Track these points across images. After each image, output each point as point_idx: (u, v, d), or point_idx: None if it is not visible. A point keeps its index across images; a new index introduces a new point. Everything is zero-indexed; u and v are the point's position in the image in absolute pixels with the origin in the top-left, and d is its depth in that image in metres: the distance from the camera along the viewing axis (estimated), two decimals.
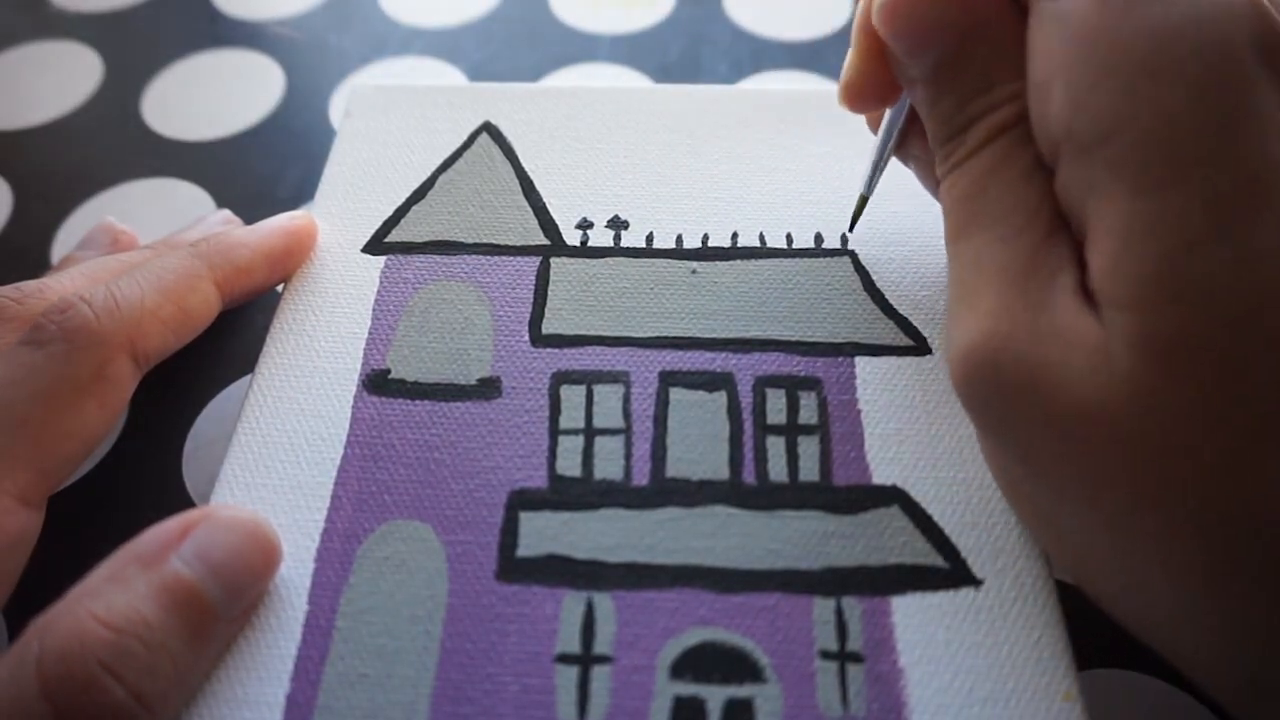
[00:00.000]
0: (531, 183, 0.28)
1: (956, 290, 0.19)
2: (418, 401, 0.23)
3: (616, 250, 0.26)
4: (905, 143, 0.24)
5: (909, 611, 0.20)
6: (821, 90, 0.30)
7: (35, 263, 0.31)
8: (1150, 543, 0.16)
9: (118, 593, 0.18)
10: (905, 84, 0.21)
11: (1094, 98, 0.16)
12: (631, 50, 0.38)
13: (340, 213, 0.27)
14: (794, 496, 0.22)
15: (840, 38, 0.38)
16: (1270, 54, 0.16)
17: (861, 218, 0.26)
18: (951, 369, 0.18)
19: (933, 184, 0.24)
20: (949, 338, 0.19)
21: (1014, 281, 0.17)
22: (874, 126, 0.25)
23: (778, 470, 0.22)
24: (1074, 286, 0.17)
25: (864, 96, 0.22)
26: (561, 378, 0.24)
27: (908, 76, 0.20)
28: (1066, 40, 0.17)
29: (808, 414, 0.23)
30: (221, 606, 0.19)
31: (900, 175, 0.27)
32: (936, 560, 0.21)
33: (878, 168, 0.24)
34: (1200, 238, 0.15)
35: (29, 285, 0.24)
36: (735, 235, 0.26)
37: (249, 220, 0.27)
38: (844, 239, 0.26)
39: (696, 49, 0.38)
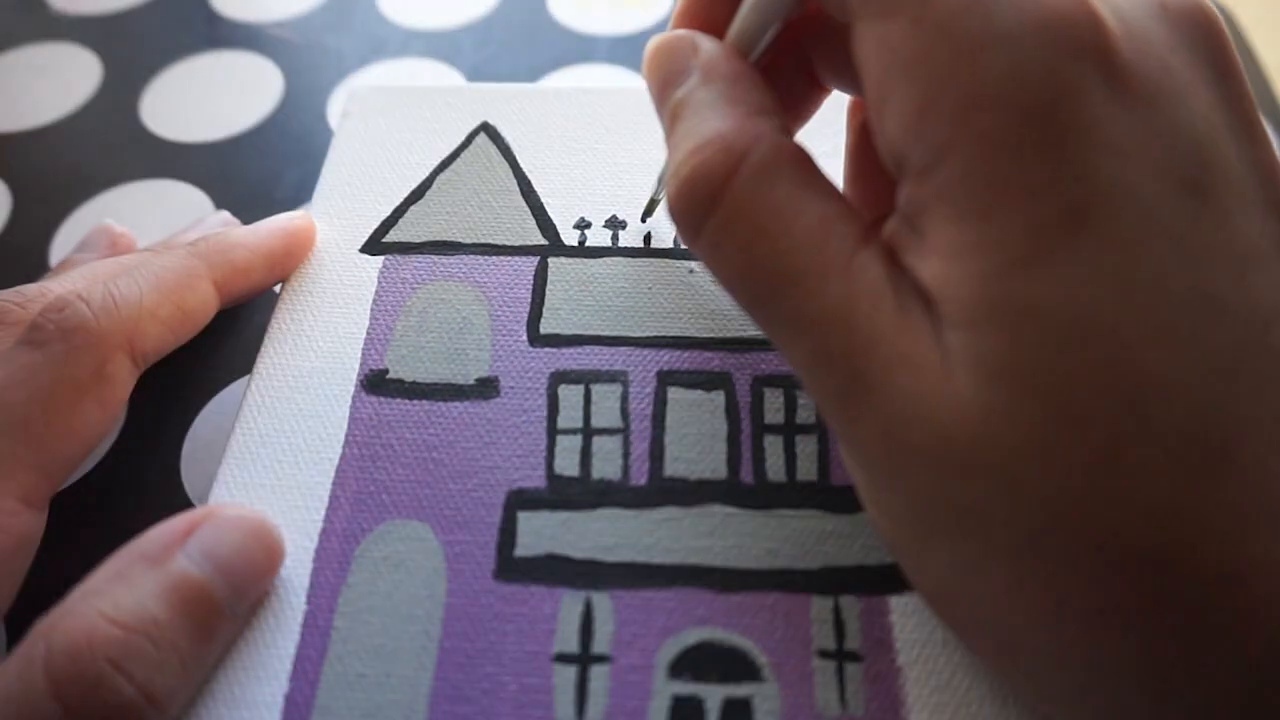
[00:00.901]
0: (529, 183, 0.28)
1: (782, 342, 0.18)
2: (416, 401, 0.23)
3: (614, 250, 0.26)
4: None
5: (907, 610, 0.20)
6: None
7: (34, 264, 0.31)
8: (1017, 578, 0.15)
9: (125, 591, 0.18)
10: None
11: (922, 124, 0.16)
12: (630, 51, 0.38)
13: (338, 213, 0.27)
14: (792, 496, 0.22)
15: None
16: (1102, 58, 0.15)
17: None
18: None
19: None
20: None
21: (843, 324, 0.17)
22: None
23: (776, 469, 0.22)
24: (896, 309, 0.16)
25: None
26: (559, 377, 0.24)
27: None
28: (890, 66, 0.16)
29: (806, 413, 0.23)
30: (227, 604, 0.19)
31: None
32: None
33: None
34: (1021, 262, 0.15)
35: (30, 289, 0.24)
36: None
37: (247, 221, 0.27)
38: None
39: None
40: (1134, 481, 0.14)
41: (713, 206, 0.18)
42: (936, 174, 0.16)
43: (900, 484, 0.16)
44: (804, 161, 0.18)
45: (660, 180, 0.25)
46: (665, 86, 0.20)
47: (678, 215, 0.18)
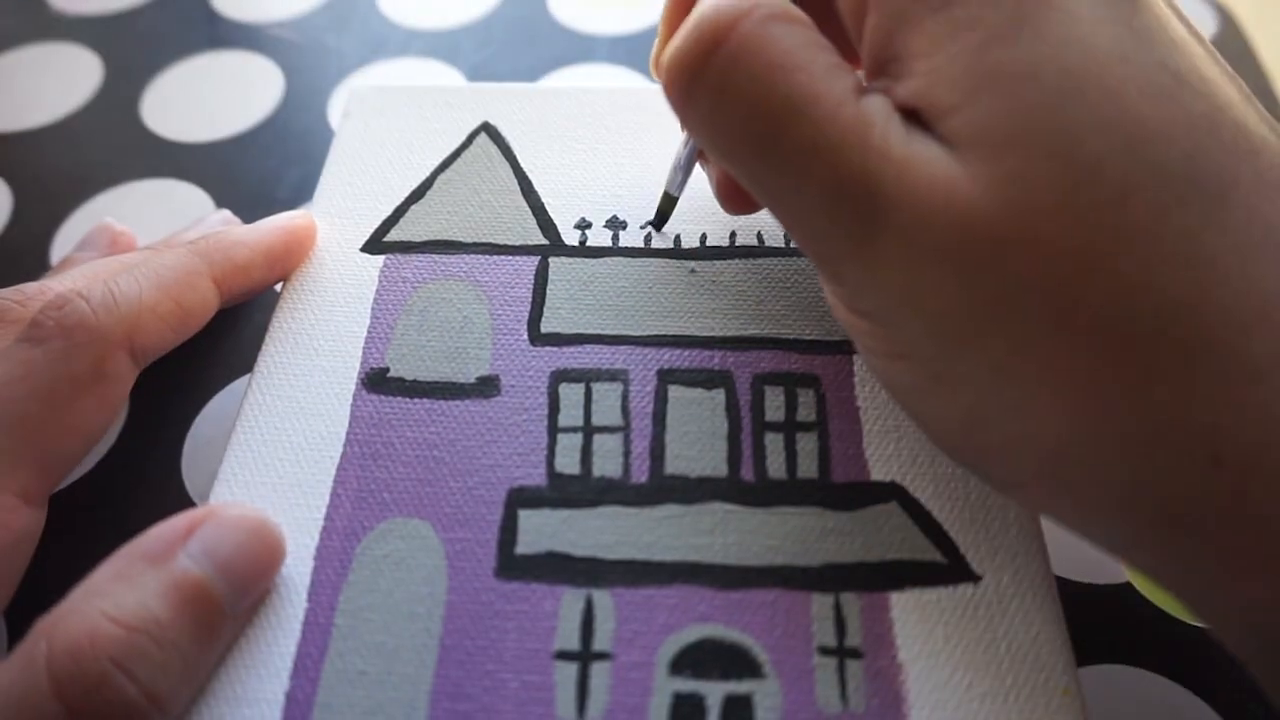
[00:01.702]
0: (530, 182, 0.28)
1: (796, 186, 0.18)
2: (416, 400, 0.23)
3: (615, 250, 0.26)
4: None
5: (908, 607, 0.20)
6: None
7: (35, 264, 0.32)
8: (1037, 364, 0.15)
9: (127, 591, 0.18)
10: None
11: None
12: (630, 51, 0.38)
13: (339, 212, 0.27)
14: (792, 493, 0.22)
15: None
16: None
17: None
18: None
19: (716, 174, 0.24)
20: (802, 221, 0.18)
21: (856, 149, 0.17)
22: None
23: (776, 467, 0.22)
24: (901, 126, 0.17)
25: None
26: (560, 376, 0.24)
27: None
28: None
29: (806, 411, 0.23)
30: (229, 603, 0.19)
31: None
32: (935, 556, 0.21)
33: (681, 166, 0.25)
34: (1000, 33, 0.16)
35: (31, 287, 0.24)
36: (733, 234, 0.26)
37: (249, 221, 0.27)
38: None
39: None
40: (1152, 227, 0.15)
41: (717, 46, 0.17)
42: None
43: (924, 304, 0.16)
44: (806, 19, 0.18)
45: (674, 170, 0.25)
46: None
47: (679, 60, 0.18)
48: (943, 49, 0.16)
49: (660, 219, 0.26)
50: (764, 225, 0.27)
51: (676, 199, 0.26)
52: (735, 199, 0.24)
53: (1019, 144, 0.15)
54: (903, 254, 0.16)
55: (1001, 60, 0.15)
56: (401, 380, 0.24)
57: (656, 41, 0.24)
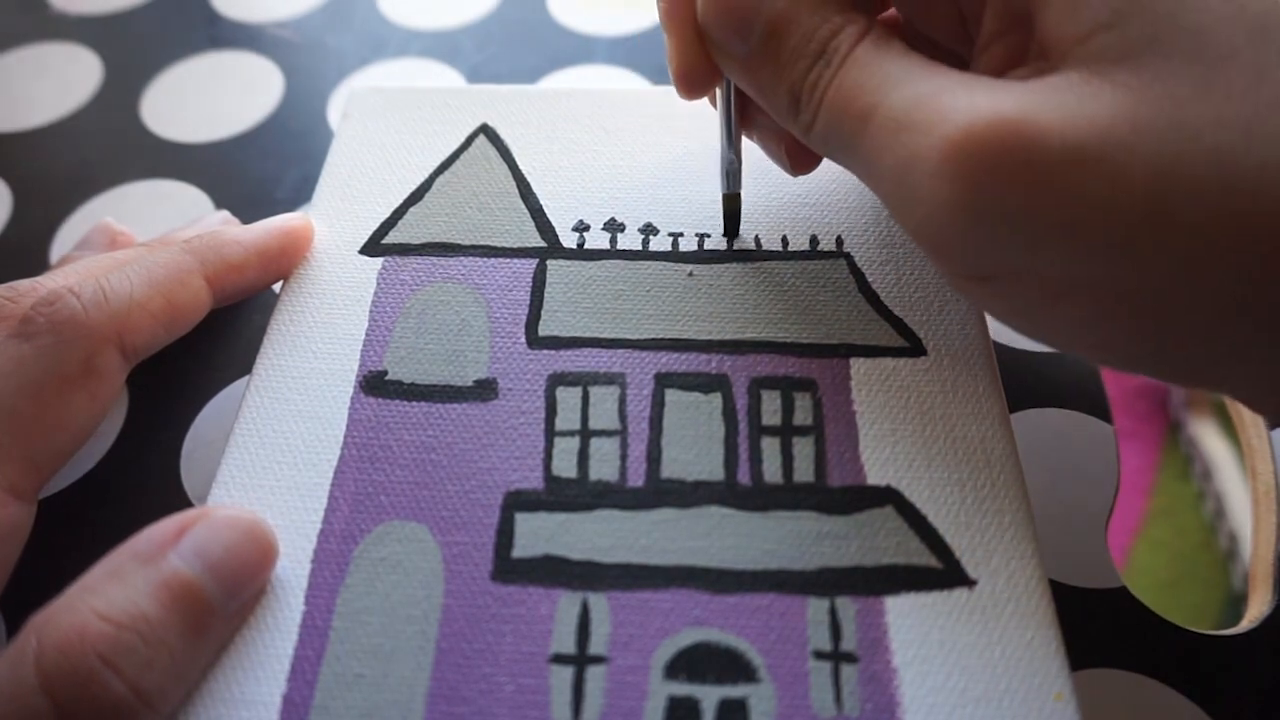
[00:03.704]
0: (528, 185, 0.28)
1: (902, 139, 0.18)
2: (414, 403, 0.23)
3: (613, 253, 0.26)
4: (747, 124, 0.25)
5: (903, 612, 0.20)
6: None
7: (35, 263, 0.32)
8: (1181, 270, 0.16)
9: (117, 589, 0.18)
10: (735, 71, 0.22)
11: None
12: (629, 52, 0.38)
13: (338, 214, 0.27)
14: (789, 497, 0.22)
15: None
16: None
17: (857, 221, 0.26)
18: (950, 182, 0.18)
19: (779, 145, 0.25)
20: (916, 180, 0.18)
21: (962, 88, 0.18)
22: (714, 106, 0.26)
23: (772, 471, 0.22)
24: (1039, 57, 0.18)
25: (699, 80, 0.23)
26: (557, 379, 0.24)
27: (734, 59, 0.22)
28: None
29: (803, 415, 0.23)
30: (219, 603, 0.19)
31: None
32: (930, 560, 0.21)
33: (729, 158, 0.25)
34: None
35: (23, 284, 0.24)
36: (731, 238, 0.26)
37: (247, 221, 0.27)
38: (839, 241, 0.26)
39: None
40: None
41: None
42: None
43: (1066, 215, 0.17)
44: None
45: (725, 171, 0.25)
46: None
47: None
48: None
49: (732, 222, 0.26)
50: (761, 229, 0.27)
51: (739, 195, 0.26)
52: (802, 159, 0.25)
53: (1159, 49, 0.17)
54: (1040, 160, 0.17)
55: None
56: (399, 383, 0.24)
57: (672, 50, 0.23)
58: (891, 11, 0.23)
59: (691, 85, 0.23)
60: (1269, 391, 0.18)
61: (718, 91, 0.24)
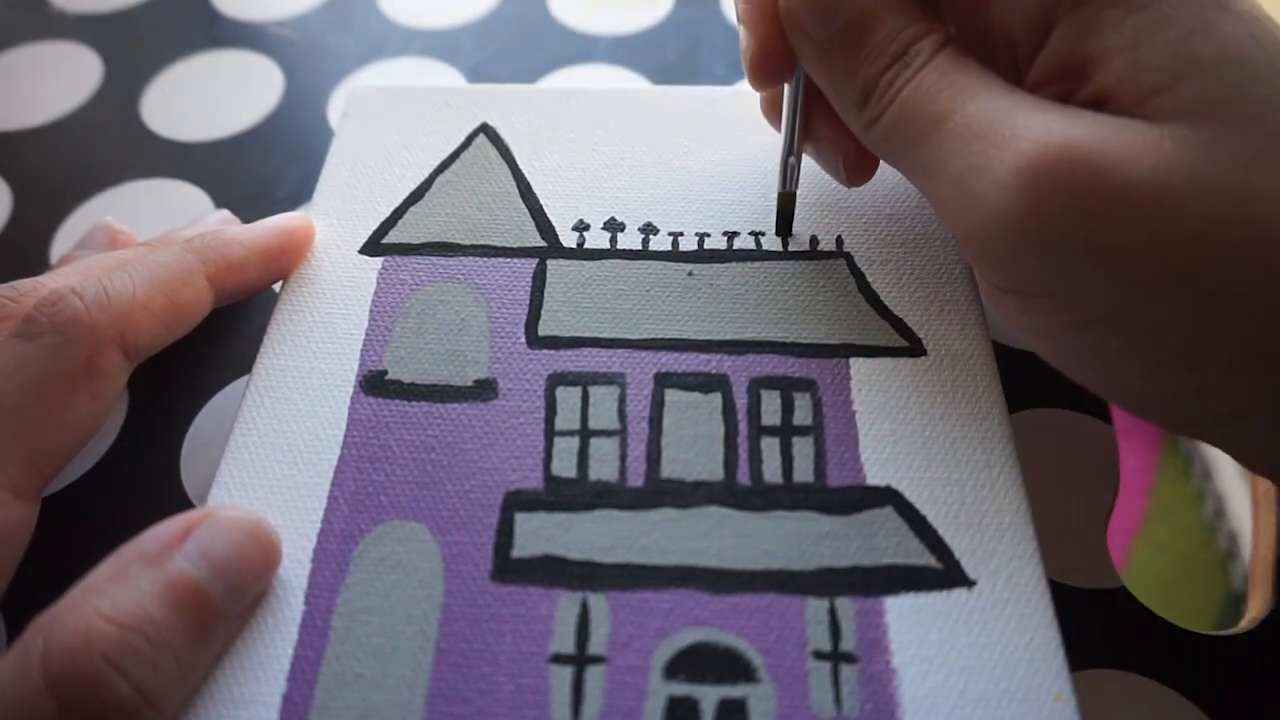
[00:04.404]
0: (528, 184, 0.28)
1: (970, 151, 0.19)
2: (414, 403, 0.23)
3: (613, 252, 0.26)
4: (807, 130, 0.25)
5: (902, 612, 0.20)
6: None
7: (35, 263, 0.32)
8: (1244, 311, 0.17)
9: (122, 590, 0.18)
10: (804, 54, 0.22)
11: None
12: (630, 51, 0.38)
13: (338, 214, 0.27)
14: (788, 497, 0.22)
15: None
16: None
17: (857, 221, 0.26)
18: (1011, 204, 0.18)
19: (837, 156, 0.25)
20: (978, 194, 0.19)
21: (1036, 110, 0.19)
22: (773, 117, 0.26)
23: (772, 471, 0.22)
24: (1090, 100, 0.19)
25: (773, 70, 0.24)
26: (557, 379, 0.24)
27: (812, 42, 0.22)
28: None
29: (802, 415, 0.23)
30: (224, 604, 0.19)
31: (895, 177, 0.27)
32: (930, 561, 0.21)
33: (790, 156, 0.25)
34: (1193, 29, 0.18)
35: (25, 283, 0.24)
36: (731, 237, 0.26)
37: (247, 221, 0.27)
38: (839, 241, 0.26)
39: (695, 50, 0.38)
40: None
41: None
42: None
43: (1117, 252, 0.18)
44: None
45: (785, 166, 0.25)
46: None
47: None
48: (1145, 44, 0.18)
49: (785, 221, 0.26)
50: (762, 228, 0.27)
51: (794, 194, 0.26)
52: (860, 169, 0.25)
53: (1220, 113, 0.17)
54: (1099, 193, 0.17)
55: (1198, 50, 0.18)
56: (399, 383, 0.24)
57: (748, 37, 0.24)
58: None
59: (765, 75, 0.24)
60: (1265, 453, 0.19)
61: (785, 90, 0.24)
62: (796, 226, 0.27)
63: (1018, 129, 0.18)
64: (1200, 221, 0.17)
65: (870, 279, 0.25)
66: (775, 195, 0.26)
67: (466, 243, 0.26)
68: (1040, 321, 0.20)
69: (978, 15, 0.21)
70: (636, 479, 0.22)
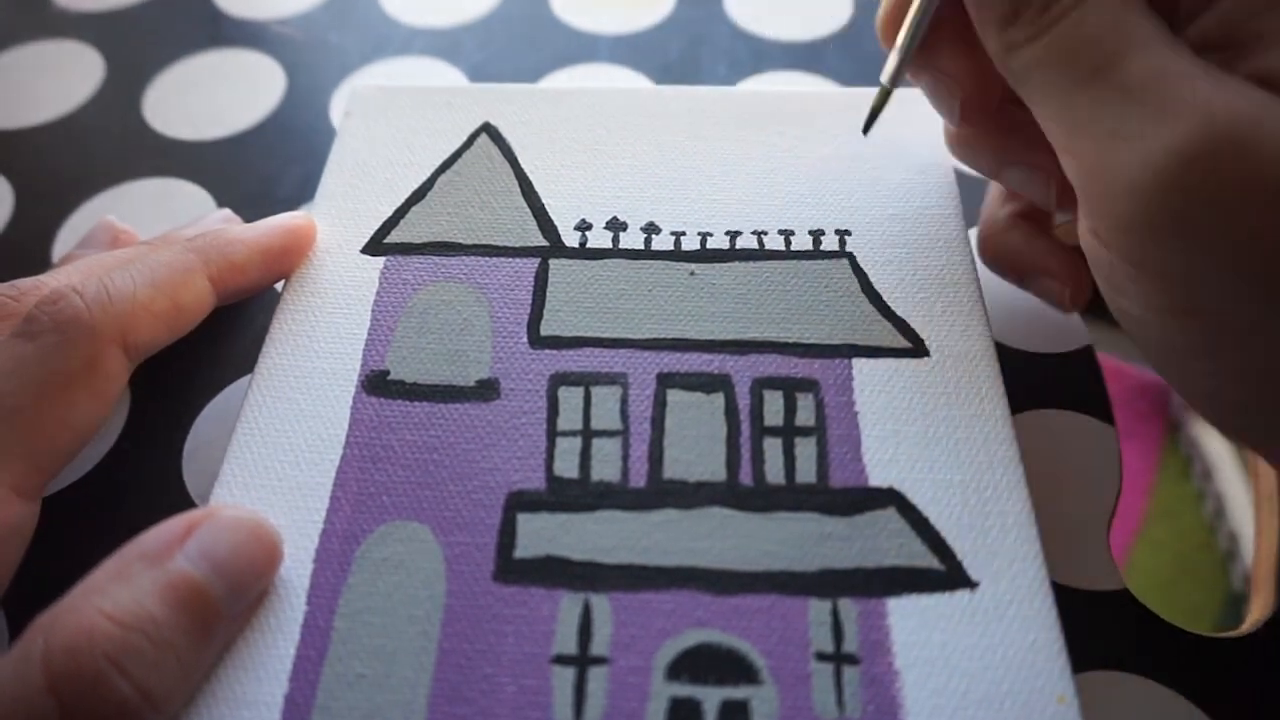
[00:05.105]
0: (530, 184, 0.28)
1: (1127, 113, 0.18)
2: (416, 403, 0.23)
3: (615, 252, 0.26)
4: (928, 55, 0.23)
5: (905, 613, 0.20)
6: (821, 91, 0.30)
7: (36, 262, 0.32)
8: None
9: (124, 589, 0.18)
10: None
11: None
12: (632, 50, 0.38)
13: (340, 213, 0.27)
14: (791, 498, 0.22)
15: (840, 38, 0.38)
16: None
17: (861, 221, 0.26)
18: (1159, 183, 0.17)
19: (952, 96, 0.23)
20: (1127, 164, 0.18)
21: (1204, 79, 0.17)
22: (889, 33, 0.24)
23: (775, 472, 0.22)
24: (1250, 78, 0.17)
25: None
26: (559, 379, 0.24)
27: None
28: None
29: (805, 415, 0.23)
30: (225, 604, 0.19)
31: (898, 178, 0.27)
32: (932, 562, 0.21)
33: (905, 58, 0.24)
34: None
35: (25, 282, 0.24)
36: (734, 237, 0.26)
37: (249, 220, 0.27)
38: (842, 241, 0.26)
39: (696, 49, 0.38)
40: None
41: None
42: None
43: (1254, 248, 0.17)
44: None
45: (896, 68, 0.24)
46: None
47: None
48: None
49: (871, 118, 0.26)
50: (764, 228, 0.27)
51: (891, 92, 0.25)
52: (975, 110, 0.24)
53: None
54: (1252, 189, 0.16)
55: None
56: (401, 383, 0.24)
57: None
58: None
59: None
60: None
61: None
62: (797, 224, 0.26)
63: (1183, 100, 0.17)
64: None
65: (873, 279, 0.25)
66: (778, 194, 0.26)
67: (469, 242, 0.26)
68: (1144, 298, 0.19)
69: None
70: (639, 479, 0.22)
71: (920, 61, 0.24)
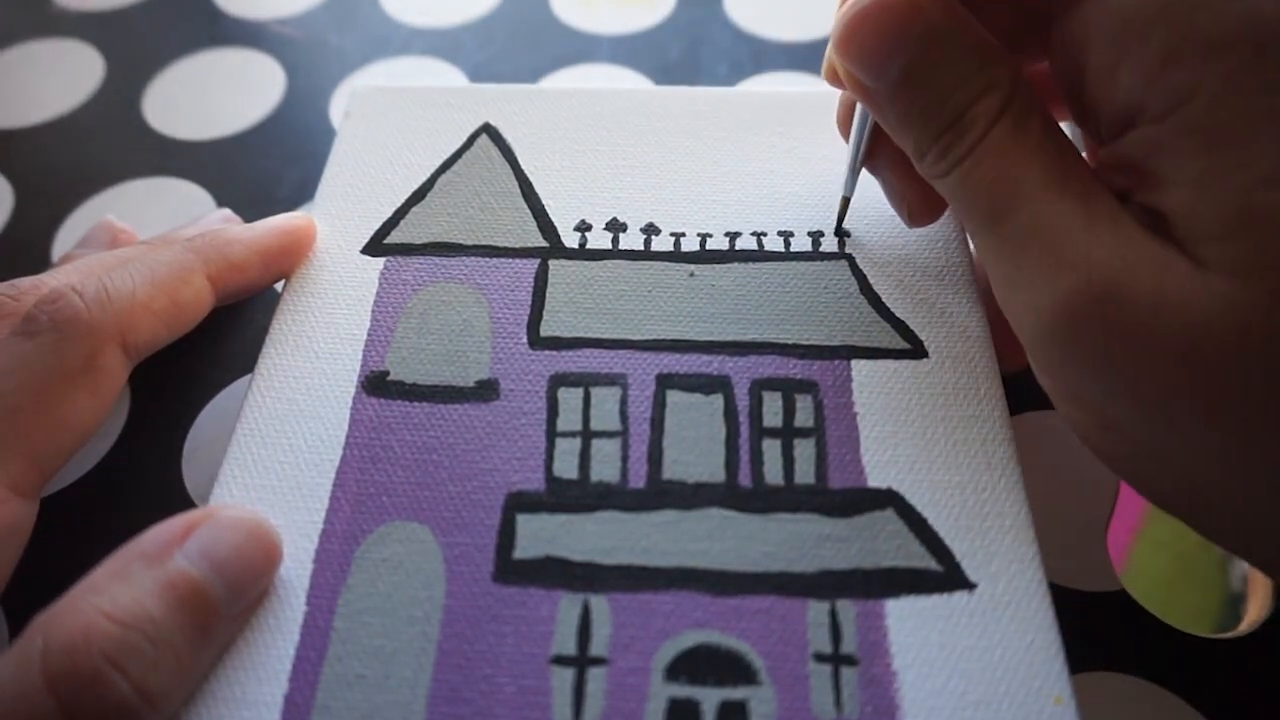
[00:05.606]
0: (530, 184, 0.28)
1: (1017, 262, 0.19)
2: (416, 403, 0.23)
3: (615, 253, 0.26)
4: (874, 151, 0.24)
5: (903, 615, 0.20)
6: (821, 92, 0.30)
7: (36, 261, 0.32)
8: (1267, 456, 0.17)
9: (123, 589, 0.18)
10: (865, 100, 0.21)
11: (1164, 73, 0.17)
12: (632, 51, 0.38)
13: (340, 213, 0.27)
14: (789, 499, 0.22)
15: None
16: None
17: (860, 222, 0.26)
18: (1046, 329, 0.18)
19: (907, 189, 0.24)
20: (1022, 307, 0.19)
21: (1084, 232, 0.18)
22: (845, 130, 0.25)
23: (773, 473, 0.22)
24: (1140, 226, 0.18)
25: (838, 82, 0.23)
26: (559, 380, 0.24)
27: (868, 92, 0.21)
28: (1124, 30, 0.18)
29: (804, 417, 0.23)
30: (224, 604, 0.19)
31: None
32: (930, 563, 0.21)
33: (854, 169, 0.25)
34: (1266, 179, 0.17)
35: (25, 282, 0.25)
36: (733, 238, 0.26)
37: (249, 219, 0.27)
38: (841, 242, 0.26)
39: (696, 50, 0.38)
40: None
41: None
42: (1181, 114, 0.17)
43: (1143, 389, 0.18)
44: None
45: (852, 169, 0.25)
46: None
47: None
48: (1211, 185, 0.17)
49: (839, 224, 0.26)
50: (764, 229, 0.27)
51: (848, 199, 0.26)
52: (924, 213, 0.25)
53: (1269, 278, 0.16)
54: (1129, 341, 0.17)
55: (1266, 204, 0.17)
56: (401, 384, 0.24)
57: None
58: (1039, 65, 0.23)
59: (833, 80, 0.23)
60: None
61: (856, 110, 0.24)
62: (796, 225, 0.27)
63: (1064, 256, 0.18)
64: (1225, 381, 0.17)
65: (872, 281, 0.25)
66: (778, 195, 0.27)
67: (468, 243, 0.26)
68: (1068, 412, 0.20)
69: (1073, 80, 0.20)
70: (638, 480, 0.22)
71: (870, 166, 0.25)
